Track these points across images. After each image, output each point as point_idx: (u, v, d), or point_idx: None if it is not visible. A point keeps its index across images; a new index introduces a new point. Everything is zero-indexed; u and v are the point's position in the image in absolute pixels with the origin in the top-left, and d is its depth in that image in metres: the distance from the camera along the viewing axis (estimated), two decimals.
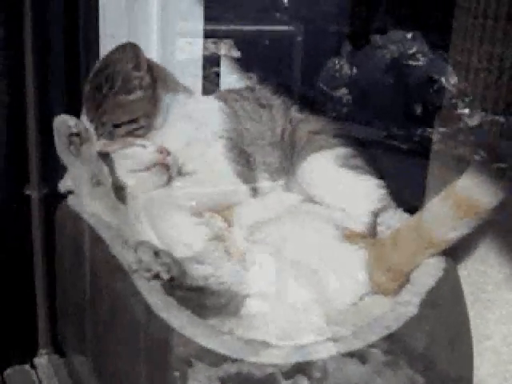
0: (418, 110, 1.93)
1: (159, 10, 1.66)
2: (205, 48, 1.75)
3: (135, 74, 1.42)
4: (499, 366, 1.18)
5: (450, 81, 1.21)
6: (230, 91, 1.59)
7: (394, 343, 1.00)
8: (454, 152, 1.20)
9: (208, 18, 1.72)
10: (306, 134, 1.47)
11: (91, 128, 1.41)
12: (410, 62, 2.01)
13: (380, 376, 0.99)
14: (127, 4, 1.68)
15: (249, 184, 1.42)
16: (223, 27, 1.83)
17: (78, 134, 1.24)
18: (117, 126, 1.42)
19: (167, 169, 1.37)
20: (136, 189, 1.34)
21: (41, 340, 1.67)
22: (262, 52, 1.92)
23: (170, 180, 1.38)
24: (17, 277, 1.59)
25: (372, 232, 1.35)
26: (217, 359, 0.94)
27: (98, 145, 1.38)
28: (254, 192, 1.43)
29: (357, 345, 0.98)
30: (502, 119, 1.14)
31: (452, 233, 1.13)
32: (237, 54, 1.82)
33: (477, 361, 1.19)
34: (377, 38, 2.07)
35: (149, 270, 1.07)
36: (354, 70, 2.10)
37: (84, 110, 1.44)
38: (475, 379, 1.19)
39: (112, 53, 1.45)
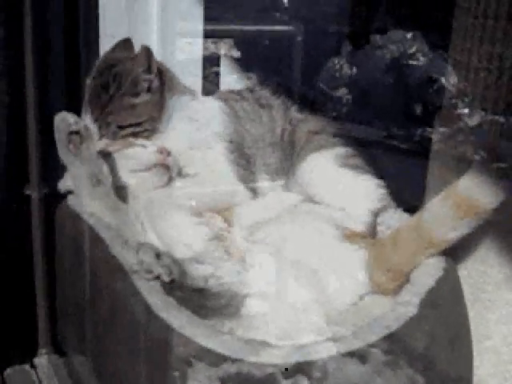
0: (418, 109, 1.93)
1: (159, 10, 1.66)
2: (205, 48, 1.75)
3: (145, 76, 1.42)
4: (499, 366, 1.18)
5: (450, 81, 1.21)
6: (230, 92, 1.59)
7: (394, 343, 1.00)
8: (453, 152, 1.20)
9: (208, 18, 1.71)
10: (306, 133, 1.47)
11: (94, 127, 1.40)
12: (410, 62, 2.01)
13: (380, 376, 0.99)
14: (127, 4, 1.68)
15: (249, 186, 1.42)
16: (223, 27, 1.84)
17: (77, 133, 1.22)
18: (121, 127, 1.41)
19: (167, 169, 1.36)
20: (137, 189, 1.34)
21: (41, 340, 1.67)
22: (262, 52, 1.92)
23: (170, 180, 1.37)
24: (17, 277, 1.59)
25: (372, 232, 1.35)
26: (217, 359, 0.94)
27: (99, 144, 1.38)
28: (254, 194, 1.43)
29: (357, 345, 0.98)
30: (501, 119, 1.14)
31: (452, 233, 1.13)
32: (237, 53, 1.82)
33: (477, 361, 1.19)
34: (377, 38, 2.07)
35: (150, 272, 1.07)
36: (354, 70, 2.10)
37: (87, 109, 1.43)
38: (475, 379, 1.19)
39: (116, 49, 1.45)
